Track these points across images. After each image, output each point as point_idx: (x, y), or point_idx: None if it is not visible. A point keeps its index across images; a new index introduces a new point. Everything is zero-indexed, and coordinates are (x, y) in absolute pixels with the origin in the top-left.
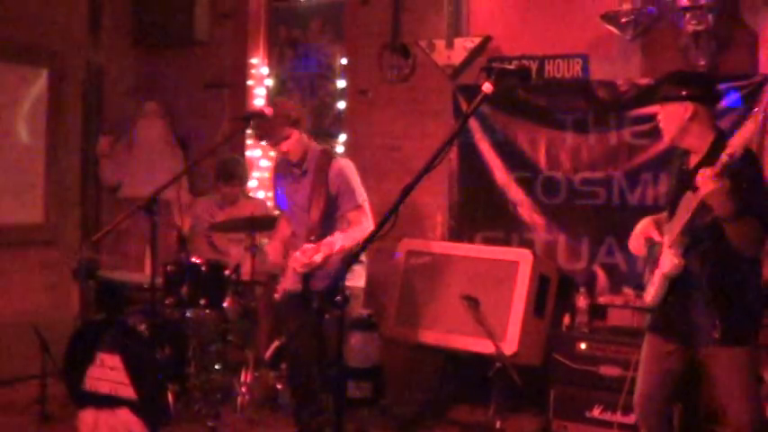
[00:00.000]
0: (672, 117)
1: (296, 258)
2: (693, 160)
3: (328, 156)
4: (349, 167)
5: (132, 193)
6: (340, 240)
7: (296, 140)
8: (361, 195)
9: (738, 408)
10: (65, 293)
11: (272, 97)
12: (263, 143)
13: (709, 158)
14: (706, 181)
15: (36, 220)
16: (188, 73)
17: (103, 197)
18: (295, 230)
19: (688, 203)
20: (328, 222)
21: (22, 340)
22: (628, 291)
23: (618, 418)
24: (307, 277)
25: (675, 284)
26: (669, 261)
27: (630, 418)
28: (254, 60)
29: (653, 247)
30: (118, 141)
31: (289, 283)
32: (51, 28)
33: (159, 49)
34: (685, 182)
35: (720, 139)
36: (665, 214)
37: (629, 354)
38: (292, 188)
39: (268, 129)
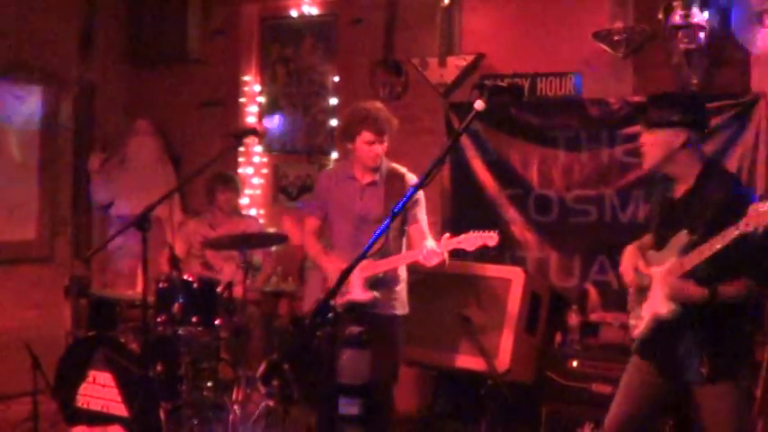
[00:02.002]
0: (660, 143)
1: (431, 254)
2: (680, 189)
3: (400, 171)
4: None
5: (124, 211)
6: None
7: (385, 150)
8: (425, 213)
9: None
10: (57, 311)
11: (263, 115)
12: (366, 140)
13: (700, 189)
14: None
15: (28, 237)
16: (180, 90)
17: (95, 215)
18: (344, 240)
19: (681, 240)
20: (398, 233)
21: (13, 358)
22: (617, 315)
23: None
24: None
25: (659, 321)
26: (664, 304)
27: None
28: (246, 78)
29: (641, 276)
30: (110, 159)
31: (357, 294)
32: (44, 45)
33: (152, 66)
34: (673, 212)
35: (709, 168)
36: (647, 239)
37: (621, 371)
38: (353, 199)
39: (385, 127)
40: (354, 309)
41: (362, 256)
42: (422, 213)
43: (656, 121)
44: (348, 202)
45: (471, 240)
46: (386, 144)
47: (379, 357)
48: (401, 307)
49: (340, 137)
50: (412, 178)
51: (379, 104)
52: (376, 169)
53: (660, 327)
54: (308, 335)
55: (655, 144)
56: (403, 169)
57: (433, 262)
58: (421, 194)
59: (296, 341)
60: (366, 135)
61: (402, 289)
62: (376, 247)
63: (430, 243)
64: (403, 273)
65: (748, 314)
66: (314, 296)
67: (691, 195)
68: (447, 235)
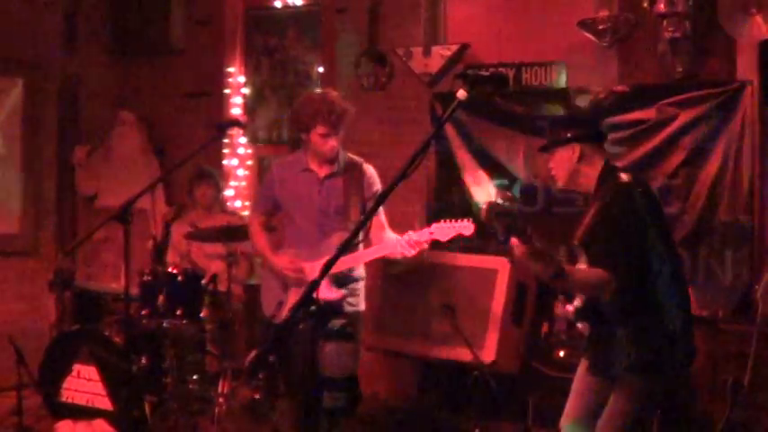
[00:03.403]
0: (562, 161)
1: (407, 244)
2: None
3: (358, 162)
4: (377, 174)
5: (109, 203)
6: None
7: (341, 141)
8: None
9: (607, 425)
10: (41, 304)
11: (250, 106)
12: (319, 133)
13: (596, 193)
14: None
15: (12, 230)
16: (164, 82)
17: (80, 207)
18: (304, 235)
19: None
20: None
21: None
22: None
23: None
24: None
25: (596, 316)
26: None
27: None
28: (230, 69)
29: None
30: (94, 151)
31: (324, 293)
32: (27, 38)
33: (136, 57)
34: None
35: (602, 174)
36: None
37: None
38: (311, 192)
39: (340, 120)
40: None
41: (342, 251)
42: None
43: (553, 142)
44: (306, 195)
45: (445, 231)
46: (342, 135)
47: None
48: (362, 303)
49: (293, 127)
50: (369, 168)
51: (333, 94)
52: (333, 160)
53: (594, 322)
54: (290, 328)
55: (557, 163)
56: (359, 159)
57: (410, 253)
58: (379, 185)
59: (276, 335)
60: (320, 128)
61: (363, 285)
62: (337, 240)
63: (391, 235)
64: (362, 268)
65: (670, 313)
66: (273, 298)
67: (592, 199)
68: (417, 227)
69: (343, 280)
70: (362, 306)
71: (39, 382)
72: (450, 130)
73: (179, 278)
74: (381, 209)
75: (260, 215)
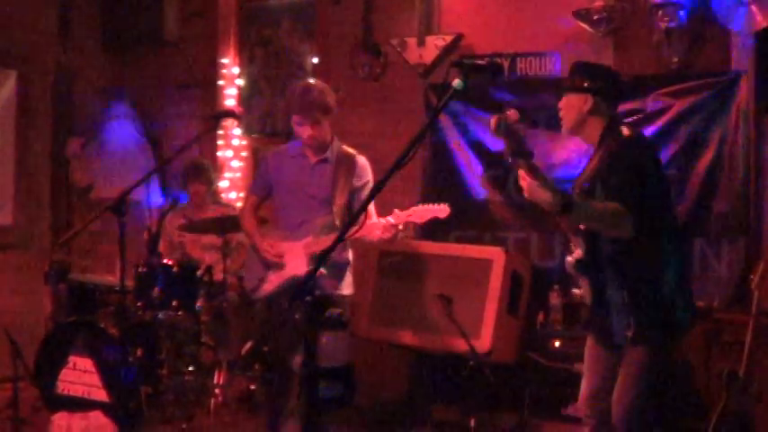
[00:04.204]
0: (572, 107)
1: (383, 227)
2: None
3: (351, 153)
4: (369, 166)
5: (104, 195)
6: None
7: (322, 128)
8: None
9: (622, 398)
10: (36, 296)
11: (244, 97)
12: (295, 121)
13: (600, 145)
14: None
15: (6, 223)
16: (158, 73)
17: (75, 199)
18: (292, 218)
19: None
20: (346, 212)
21: None
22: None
23: None
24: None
25: (597, 287)
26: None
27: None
28: (224, 60)
29: None
30: (88, 143)
31: (300, 269)
32: (20, 30)
33: (129, 49)
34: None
35: (606, 130)
36: None
37: None
38: (303, 176)
39: (310, 110)
40: (296, 288)
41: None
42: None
43: (568, 86)
44: (297, 179)
45: (421, 213)
46: (320, 125)
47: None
48: (347, 287)
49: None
50: (361, 159)
51: (313, 84)
52: (323, 148)
53: (595, 293)
54: (285, 317)
55: (567, 108)
56: (353, 151)
57: (386, 235)
58: (369, 177)
59: (273, 323)
60: (295, 117)
61: (348, 269)
62: (320, 222)
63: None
64: (349, 253)
65: (667, 275)
66: (254, 274)
67: (594, 156)
68: (396, 210)
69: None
70: (348, 291)
71: (35, 374)
72: (445, 120)
73: (174, 270)
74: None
75: (254, 196)
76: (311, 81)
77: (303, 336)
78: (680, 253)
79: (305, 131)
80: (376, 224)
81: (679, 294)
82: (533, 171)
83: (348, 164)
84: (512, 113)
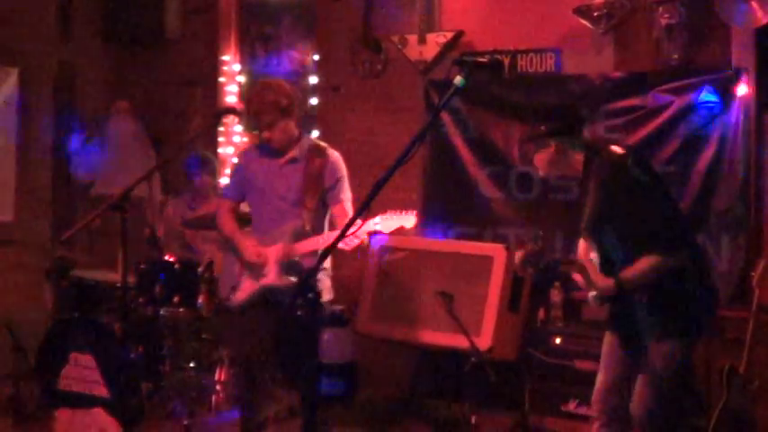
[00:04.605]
0: (541, 161)
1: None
2: None
3: (322, 147)
4: (342, 161)
5: (105, 192)
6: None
7: (281, 129)
8: (349, 192)
9: (641, 399)
10: (38, 293)
11: (244, 93)
12: (251, 125)
13: (587, 171)
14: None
15: (7, 219)
16: (160, 70)
17: (76, 196)
18: (264, 222)
19: None
20: (318, 214)
21: None
22: None
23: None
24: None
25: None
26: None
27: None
28: (225, 57)
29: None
30: (90, 140)
31: (272, 278)
32: (21, 27)
33: (130, 46)
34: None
35: (591, 150)
36: None
37: None
38: (272, 177)
39: (255, 111)
40: (268, 296)
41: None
42: (345, 192)
43: (529, 139)
44: (266, 180)
45: (388, 223)
46: (276, 127)
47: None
48: (325, 293)
49: None
50: (333, 154)
51: (269, 84)
52: (291, 146)
53: (620, 302)
54: (288, 315)
55: (540, 164)
56: (324, 145)
57: (350, 246)
58: (342, 173)
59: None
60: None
61: (326, 275)
62: (290, 227)
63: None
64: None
65: (690, 278)
66: (227, 281)
67: (582, 194)
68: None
69: (294, 267)
70: (328, 297)
71: (36, 371)
72: (445, 117)
73: (175, 266)
74: (348, 196)
75: (229, 200)
76: (271, 80)
77: (275, 347)
78: (697, 252)
79: (263, 134)
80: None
81: (702, 291)
82: (584, 273)
83: (318, 162)
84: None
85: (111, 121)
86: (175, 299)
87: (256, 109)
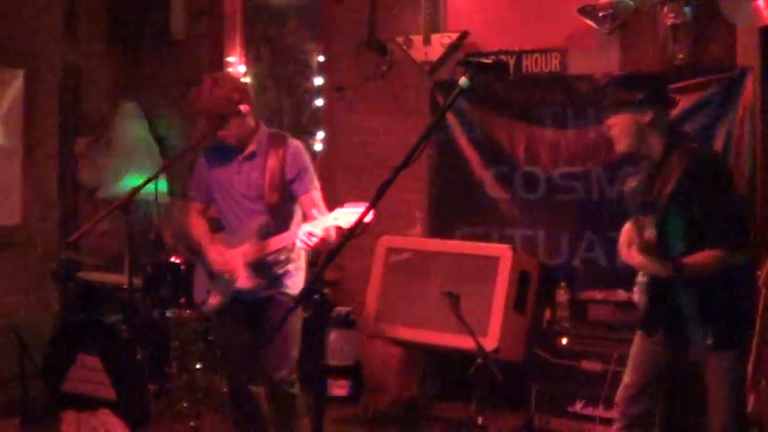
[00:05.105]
0: (628, 125)
1: (306, 236)
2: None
3: (281, 136)
4: (304, 149)
5: (111, 194)
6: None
7: (236, 124)
8: (316, 180)
9: (719, 409)
10: (44, 295)
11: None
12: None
13: (664, 164)
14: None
15: (13, 221)
16: (165, 72)
17: (82, 198)
18: (231, 222)
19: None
20: (284, 208)
21: (1, 342)
22: (606, 292)
23: (600, 412)
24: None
25: (663, 287)
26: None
27: (613, 413)
28: (230, 59)
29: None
30: (96, 142)
31: (241, 282)
32: (26, 28)
33: (136, 48)
34: (646, 191)
35: (671, 141)
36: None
37: (611, 348)
38: (231, 175)
39: (207, 108)
40: (241, 297)
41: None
42: (311, 183)
43: (622, 102)
44: (227, 178)
45: (347, 216)
46: (228, 124)
47: (274, 345)
48: (294, 287)
49: None
50: (293, 142)
51: (214, 81)
52: (248, 140)
53: (660, 293)
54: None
55: (621, 126)
56: (284, 134)
57: (312, 243)
58: (305, 163)
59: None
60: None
61: (295, 268)
62: (256, 225)
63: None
64: (295, 251)
65: (745, 283)
66: (201, 285)
67: (656, 173)
68: (315, 212)
69: (263, 266)
70: (294, 290)
71: (43, 372)
72: (451, 118)
73: (182, 267)
74: (316, 185)
75: (197, 202)
76: (217, 75)
77: (256, 353)
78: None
79: (218, 132)
80: (295, 233)
81: (748, 301)
82: (650, 250)
83: (278, 154)
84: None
85: (117, 122)
86: (182, 300)
87: (208, 107)
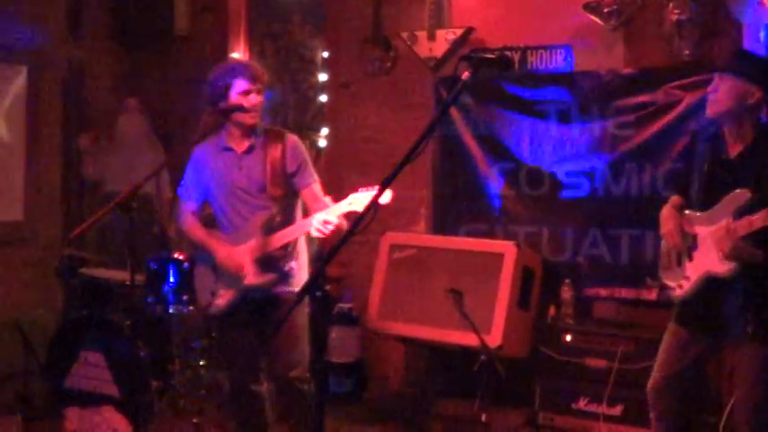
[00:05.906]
0: (733, 93)
1: (321, 224)
2: (734, 149)
3: (279, 131)
4: (301, 143)
5: (115, 190)
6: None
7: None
8: (315, 174)
9: (751, 396)
10: (48, 291)
11: None
12: (244, 87)
13: (759, 149)
14: None
15: (17, 218)
16: (169, 68)
17: (86, 194)
18: (232, 219)
19: (738, 199)
20: (287, 202)
21: (4, 338)
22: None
23: (604, 409)
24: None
25: (717, 282)
26: (720, 264)
27: (616, 410)
28: (235, 55)
29: (684, 236)
30: (99, 138)
31: (251, 278)
32: (30, 25)
33: (140, 44)
34: (725, 172)
35: (764, 133)
36: (675, 199)
37: (615, 345)
38: (230, 170)
39: (255, 73)
40: (249, 295)
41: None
42: (311, 176)
43: (741, 71)
44: (226, 175)
45: (361, 200)
46: (263, 95)
47: (280, 342)
48: (299, 284)
49: (210, 103)
50: (291, 137)
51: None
52: (252, 132)
53: (707, 286)
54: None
55: (726, 92)
56: (281, 129)
57: (328, 231)
58: (303, 156)
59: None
60: (240, 84)
61: (300, 264)
62: (260, 221)
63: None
64: (300, 246)
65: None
66: (204, 287)
67: (749, 155)
68: (329, 199)
69: (269, 261)
70: (298, 287)
71: (46, 369)
72: (455, 114)
73: (185, 264)
74: (315, 179)
75: (192, 203)
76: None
77: (256, 356)
78: None
79: (252, 100)
80: (309, 222)
81: None
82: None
83: (278, 144)
84: None
85: (121, 118)
86: (185, 297)
87: (252, 74)
